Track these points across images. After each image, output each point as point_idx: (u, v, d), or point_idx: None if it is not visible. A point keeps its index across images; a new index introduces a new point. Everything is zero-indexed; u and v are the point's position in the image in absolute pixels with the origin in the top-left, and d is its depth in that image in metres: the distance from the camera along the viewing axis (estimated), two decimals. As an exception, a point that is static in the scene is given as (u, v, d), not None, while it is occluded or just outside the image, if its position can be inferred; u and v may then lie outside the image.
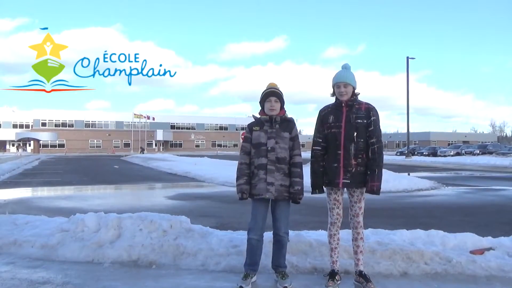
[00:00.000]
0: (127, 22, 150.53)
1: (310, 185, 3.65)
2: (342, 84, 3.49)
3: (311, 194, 3.66)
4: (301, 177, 3.55)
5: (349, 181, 3.45)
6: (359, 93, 3.58)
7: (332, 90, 3.60)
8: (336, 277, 3.56)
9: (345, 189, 3.58)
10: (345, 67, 3.61)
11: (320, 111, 3.66)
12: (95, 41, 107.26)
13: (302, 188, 3.54)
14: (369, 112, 3.50)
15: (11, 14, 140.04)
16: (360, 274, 3.55)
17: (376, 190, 3.45)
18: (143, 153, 61.93)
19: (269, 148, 3.46)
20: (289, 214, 3.64)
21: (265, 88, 3.64)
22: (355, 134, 3.43)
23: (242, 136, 16.74)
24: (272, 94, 3.55)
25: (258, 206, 3.54)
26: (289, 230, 4.65)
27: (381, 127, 3.56)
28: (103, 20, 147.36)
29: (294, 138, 3.58)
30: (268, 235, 3.80)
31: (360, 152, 3.45)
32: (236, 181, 3.57)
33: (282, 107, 3.61)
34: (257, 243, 3.55)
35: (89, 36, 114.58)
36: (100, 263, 4.25)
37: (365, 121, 3.47)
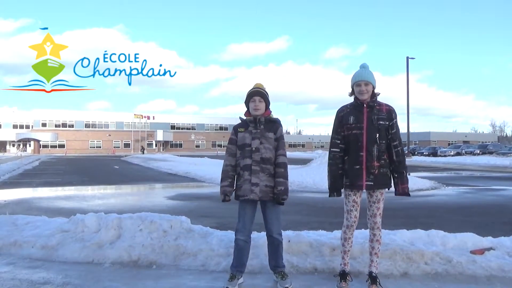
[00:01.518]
0: (129, 23, 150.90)
1: (327, 187, 3.60)
2: (363, 82, 3.45)
3: (329, 197, 3.60)
4: (285, 177, 3.49)
5: (372, 183, 3.41)
6: (379, 93, 3.52)
7: (351, 89, 3.54)
8: (347, 277, 3.55)
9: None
10: (364, 66, 3.56)
11: (338, 112, 3.57)
12: (98, 42, 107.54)
13: (286, 188, 3.47)
14: (391, 114, 3.46)
15: (15, 15, 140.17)
16: (370, 275, 3.52)
17: (407, 192, 3.48)
18: (143, 152, 61.90)
19: (253, 149, 3.43)
20: (280, 214, 3.60)
21: (250, 89, 3.61)
22: (377, 135, 3.38)
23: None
24: (256, 94, 3.51)
25: (244, 207, 3.52)
26: (290, 231, 4.67)
27: None
28: (105, 21, 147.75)
29: (279, 138, 3.53)
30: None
31: (382, 153, 3.41)
32: (220, 182, 3.56)
33: (267, 108, 3.57)
34: (244, 244, 3.52)
35: (92, 37, 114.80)
36: (100, 263, 4.25)
37: (387, 123, 3.43)
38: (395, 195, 3.52)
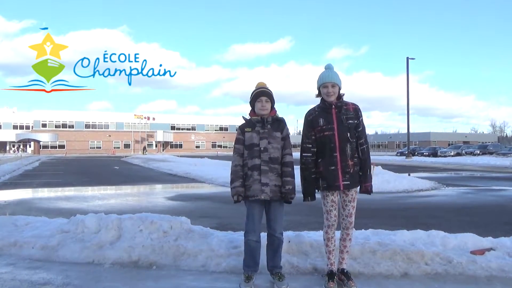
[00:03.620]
0: (133, 24, 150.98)
1: (302, 192, 3.61)
2: (330, 84, 3.46)
3: (303, 201, 3.61)
4: (293, 176, 3.51)
5: (348, 182, 3.44)
6: (343, 94, 3.56)
7: (318, 91, 3.56)
8: (335, 277, 3.56)
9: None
10: (329, 68, 3.57)
11: (307, 115, 3.57)
12: (101, 42, 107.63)
13: (293, 187, 3.50)
14: (357, 113, 3.50)
15: (18, 16, 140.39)
16: (343, 272, 3.57)
17: (370, 190, 3.51)
18: (145, 153, 61.73)
19: (262, 149, 3.43)
20: (283, 214, 3.61)
21: (254, 88, 3.60)
22: (348, 134, 3.42)
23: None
24: (262, 94, 3.50)
25: (253, 207, 3.51)
26: (290, 231, 4.66)
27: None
28: (109, 22, 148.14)
29: (285, 137, 3.55)
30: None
31: (354, 152, 3.46)
32: (231, 183, 3.53)
33: (272, 107, 3.58)
34: (256, 244, 3.53)
35: (95, 38, 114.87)
36: (100, 264, 4.24)
37: (355, 121, 3.47)
38: (359, 192, 3.55)
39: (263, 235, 3.66)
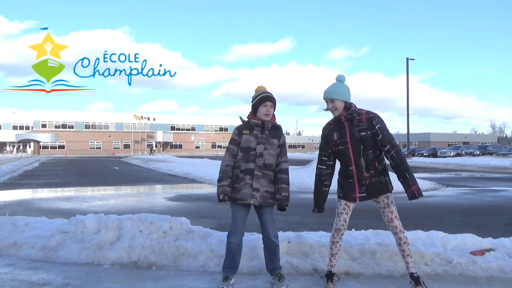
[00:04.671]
0: (134, 25, 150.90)
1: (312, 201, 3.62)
2: (328, 100, 3.41)
3: (312, 211, 3.62)
4: (288, 183, 3.48)
5: (365, 195, 3.40)
6: (351, 104, 3.40)
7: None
8: (334, 278, 3.55)
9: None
10: (337, 79, 3.47)
11: (323, 129, 3.56)
12: (102, 43, 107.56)
13: (289, 194, 3.48)
14: (371, 122, 3.35)
15: (20, 17, 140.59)
16: (412, 276, 3.50)
17: (418, 194, 3.32)
18: (153, 153, 61.29)
19: (257, 154, 3.40)
20: (274, 217, 3.59)
21: (257, 92, 3.54)
22: (362, 147, 3.34)
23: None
24: (269, 99, 3.47)
25: (239, 210, 3.48)
26: (290, 231, 4.67)
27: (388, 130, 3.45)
28: (111, 23, 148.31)
29: (282, 145, 3.54)
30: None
31: (371, 163, 3.37)
32: (219, 181, 3.46)
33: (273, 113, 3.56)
34: (237, 247, 3.50)
35: (96, 38, 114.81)
36: (100, 264, 4.24)
37: (369, 132, 3.34)
38: (409, 198, 3.38)
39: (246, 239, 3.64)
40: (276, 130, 3.53)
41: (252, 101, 3.55)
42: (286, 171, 3.51)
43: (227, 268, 3.54)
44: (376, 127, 3.34)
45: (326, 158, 3.51)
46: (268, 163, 3.44)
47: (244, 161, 3.43)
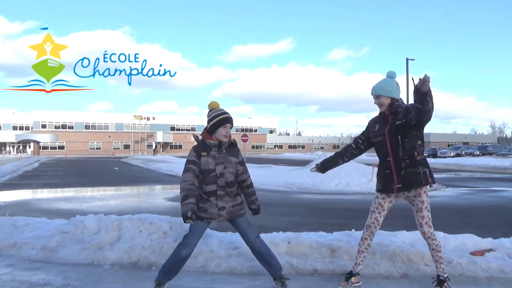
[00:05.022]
0: (135, 25, 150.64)
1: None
2: (374, 96, 3.49)
3: (312, 170, 3.86)
4: (255, 194, 3.61)
5: (401, 185, 3.39)
6: (398, 100, 3.42)
7: None
8: (352, 279, 3.54)
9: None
10: (387, 75, 3.50)
11: (369, 121, 3.68)
12: (103, 43, 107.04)
13: (259, 204, 3.63)
14: (408, 110, 3.34)
15: (21, 17, 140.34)
16: (438, 277, 3.50)
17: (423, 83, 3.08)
18: (156, 154, 61.25)
19: (218, 174, 3.36)
20: (249, 222, 3.59)
21: (214, 112, 3.46)
22: (399, 137, 3.36)
23: (242, 138, 16.58)
24: (229, 121, 3.43)
25: (201, 225, 3.43)
26: (290, 232, 4.66)
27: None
28: (111, 24, 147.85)
29: (242, 162, 3.53)
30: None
31: (407, 152, 3.35)
32: (184, 200, 3.18)
33: None
34: (187, 258, 3.44)
35: (97, 39, 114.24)
36: (100, 265, 4.24)
37: (404, 120, 3.35)
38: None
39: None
40: (233, 148, 3.50)
41: (208, 120, 3.45)
42: (252, 185, 3.60)
43: (165, 274, 3.42)
44: (412, 112, 3.30)
45: (360, 141, 3.65)
46: (229, 181, 3.42)
47: (205, 183, 3.37)
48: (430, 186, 3.49)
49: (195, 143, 3.48)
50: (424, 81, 2.98)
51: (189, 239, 3.40)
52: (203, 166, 3.35)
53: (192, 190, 3.26)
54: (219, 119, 3.40)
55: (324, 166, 3.79)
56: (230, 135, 3.52)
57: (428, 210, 3.43)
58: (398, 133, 3.37)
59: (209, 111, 3.49)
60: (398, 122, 3.37)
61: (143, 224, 4.64)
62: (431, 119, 3.29)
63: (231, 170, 3.42)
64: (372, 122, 3.60)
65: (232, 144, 3.50)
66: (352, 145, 3.71)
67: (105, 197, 11.21)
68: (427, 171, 3.44)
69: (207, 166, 3.35)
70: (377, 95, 3.45)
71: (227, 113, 3.46)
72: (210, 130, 3.42)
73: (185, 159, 3.42)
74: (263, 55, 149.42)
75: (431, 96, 3.11)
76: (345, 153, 3.72)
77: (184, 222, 3.19)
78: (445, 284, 3.45)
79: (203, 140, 3.44)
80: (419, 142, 3.42)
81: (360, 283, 3.59)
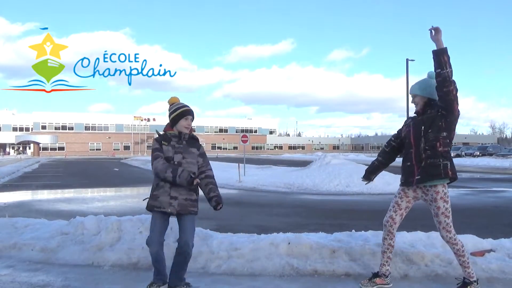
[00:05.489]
0: (135, 27, 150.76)
1: None
2: (412, 95, 3.50)
3: (361, 179, 3.88)
4: (217, 186, 3.53)
5: (419, 177, 3.35)
6: (435, 100, 3.37)
7: None
8: (375, 279, 3.52)
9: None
10: (428, 75, 3.50)
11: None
12: (103, 44, 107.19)
13: (219, 194, 3.49)
14: (437, 104, 3.34)
15: (22, 19, 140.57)
16: (464, 278, 3.43)
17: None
18: None
19: (175, 163, 3.38)
20: (195, 227, 3.56)
21: (175, 105, 3.51)
22: (423, 128, 3.33)
23: (242, 139, 16.57)
24: (190, 113, 3.49)
25: (157, 219, 3.41)
26: (290, 232, 4.66)
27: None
28: (112, 25, 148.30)
29: (203, 154, 3.55)
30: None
31: (430, 143, 3.30)
32: (174, 172, 3.25)
33: None
34: (157, 255, 3.41)
35: (97, 40, 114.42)
36: (100, 266, 4.24)
37: (430, 111, 3.35)
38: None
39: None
40: (194, 141, 3.53)
41: (170, 113, 3.50)
42: (212, 176, 3.54)
43: (154, 275, 3.46)
44: (439, 103, 3.31)
45: (393, 139, 3.70)
46: None
47: None
48: (450, 181, 3.39)
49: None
50: (436, 28, 3.11)
51: (150, 237, 3.39)
52: (165, 154, 3.40)
53: (170, 164, 3.33)
54: (180, 111, 3.48)
55: (367, 174, 3.82)
56: (192, 128, 3.57)
57: (446, 216, 3.35)
58: (422, 124, 3.35)
59: (170, 106, 3.56)
60: (425, 115, 3.37)
61: (143, 225, 4.64)
62: (457, 109, 3.26)
63: (190, 160, 3.44)
64: (406, 121, 3.64)
65: (193, 137, 3.56)
66: (386, 143, 3.78)
67: (105, 198, 11.21)
68: (449, 164, 3.33)
69: (167, 154, 3.39)
70: (413, 94, 3.47)
71: (188, 106, 3.54)
72: (172, 122, 3.49)
73: (151, 151, 3.39)
74: (263, 56, 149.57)
75: (448, 55, 3.21)
76: (380, 153, 3.80)
77: (193, 185, 3.31)
78: (468, 287, 3.37)
79: (164, 133, 3.52)
80: (444, 133, 3.31)
81: (391, 285, 3.55)
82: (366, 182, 3.89)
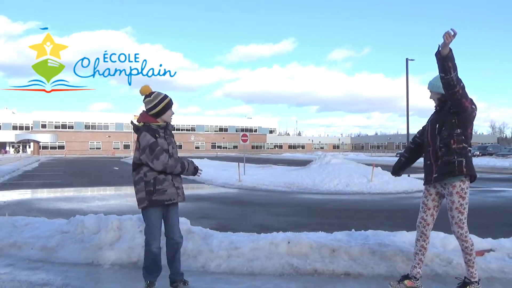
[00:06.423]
0: (137, 26, 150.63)
1: None
2: (429, 91, 3.55)
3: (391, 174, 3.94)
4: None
5: (436, 175, 3.36)
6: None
7: None
8: (405, 281, 3.49)
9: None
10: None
11: None
12: (105, 44, 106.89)
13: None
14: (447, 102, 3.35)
15: (23, 18, 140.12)
16: (465, 278, 3.41)
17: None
18: None
19: (170, 154, 3.44)
20: (178, 218, 3.62)
21: (152, 94, 3.45)
22: (437, 125, 3.35)
23: (242, 138, 16.56)
24: (172, 103, 3.54)
25: (156, 214, 3.44)
26: (289, 232, 4.66)
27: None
28: (113, 24, 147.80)
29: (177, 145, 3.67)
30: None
31: (445, 141, 3.30)
32: (183, 165, 3.45)
33: None
34: (159, 251, 3.45)
35: (99, 39, 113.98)
36: (99, 264, 4.24)
37: (444, 107, 3.37)
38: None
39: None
40: (171, 129, 3.61)
41: (155, 104, 3.41)
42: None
43: (150, 274, 3.46)
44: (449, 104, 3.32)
45: (418, 135, 3.73)
46: None
47: None
48: (465, 178, 3.35)
49: (140, 130, 3.44)
50: (448, 35, 2.94)
51: (151, 234, 3.41)
52: (161, 147, 3.39)
53: (177, 158, 3.45)
54: (166, 102, 3.46)
55: (396, 170, 3.86)
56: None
57: (460, 212, 3.31)
58: (437, 122, 3.37)
59: (146, 96, 3.45)
60: (440, 112, 3.40)
61: (143, 224, 4.63)
62: (468, 106, 3.21)
63: (176, 149, 3.54)
64: (430, 116, 3.63)
65: (171, 127, 3.63)
66: (411, 140, 3.80)
67: (105, 197, 11.21)
68: (463, 162, 3.29)
69: (164, 146, 3.40)
70: (429, 90, 3.53)
71: (167, 95, 3.54)
72: (159, 113, 3.43)
73: (148, 146, 3.30)
74: (264, 55, 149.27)
75: (452, 61, 3.06)
76: (405, 150, 3.85)
77: (197, 173, 3.59)
78: (468, 287, 3.35)
79: (149, 125, 3.42)
80: (458, 130, 3.29)
81: (421, 287, 3.52)
82: (394, 176, 3.98)
